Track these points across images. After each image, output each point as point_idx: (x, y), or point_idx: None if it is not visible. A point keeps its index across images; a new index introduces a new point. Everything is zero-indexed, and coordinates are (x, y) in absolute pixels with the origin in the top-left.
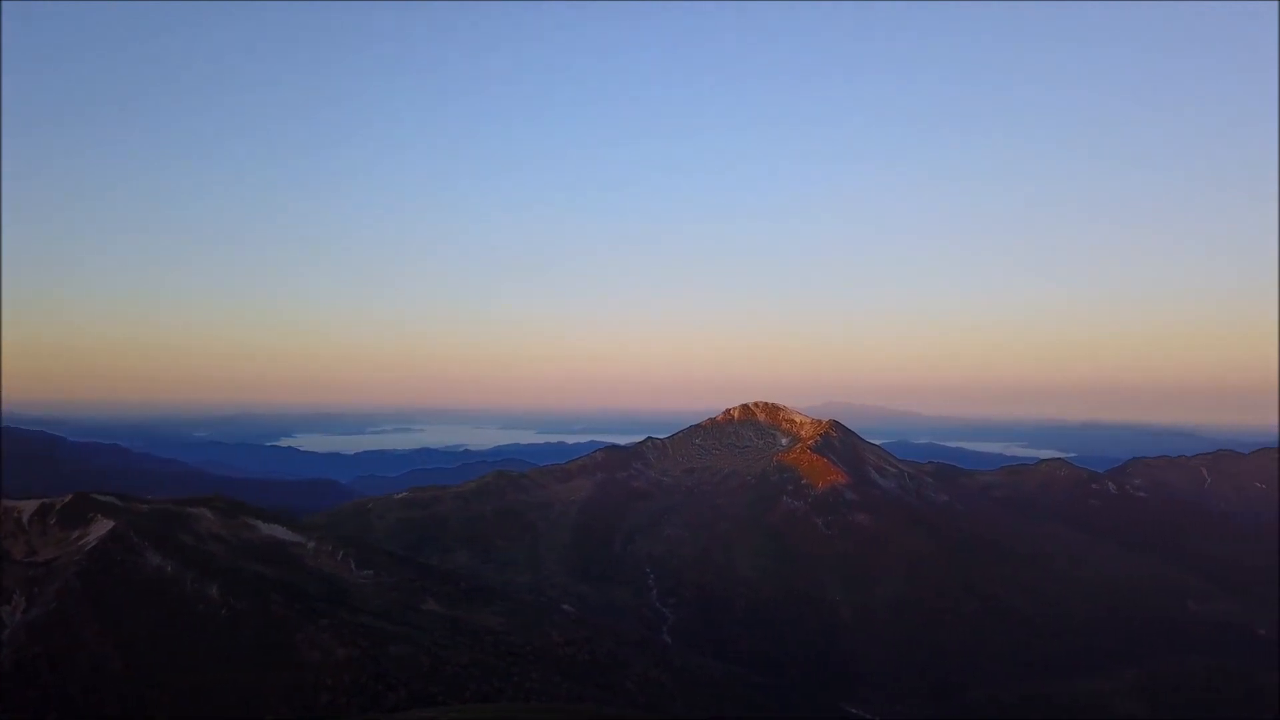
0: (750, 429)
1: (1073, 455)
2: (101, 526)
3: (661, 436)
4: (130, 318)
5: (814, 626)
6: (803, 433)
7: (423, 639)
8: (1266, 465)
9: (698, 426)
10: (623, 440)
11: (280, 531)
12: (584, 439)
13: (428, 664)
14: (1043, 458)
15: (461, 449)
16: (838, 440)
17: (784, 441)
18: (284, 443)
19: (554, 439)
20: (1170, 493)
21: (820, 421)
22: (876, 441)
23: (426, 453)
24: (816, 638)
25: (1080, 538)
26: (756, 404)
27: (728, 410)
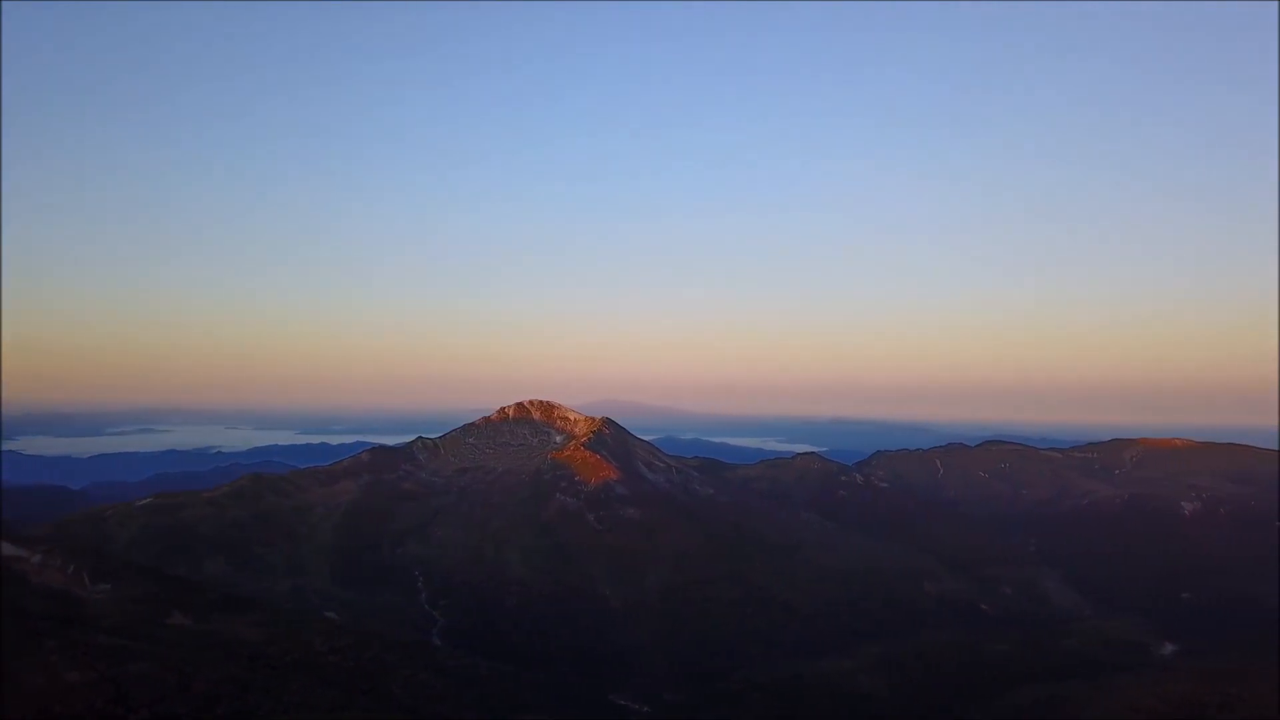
0: (525, 427)
1: (824, 449)
2: None
3: (433, 436)
4: None
5: (585, 620)
6: (576, 430)
7: (169, 655)
8: (990, 456)
9: (471, 425)
10: (391, 440)
11: None
12: (349, 439)
13: (174, 682)
14: (798, 452)
15: (213, 451)
16: (610, 437)
17: (558, 439)
18: (5, 445)
19: (315, 439)
20: (908, 483)
21: (594, 419)
22: (646, 438)
23: (173, 455)
24: (588, 631)
25: (831, 526)
26: (531, 402)
27: (502, 408)
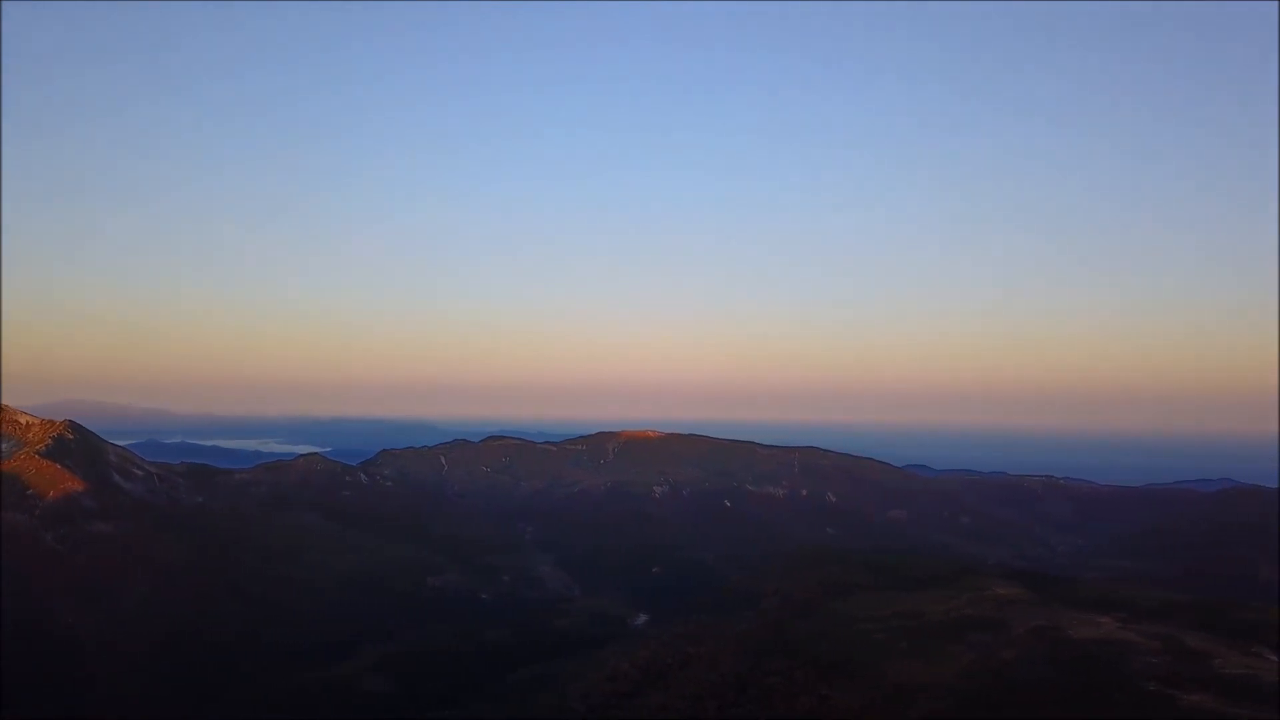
0: None
1: (328, 450)
2: None
3: None
4: None
5: (45, 660)
6: (30, 436)
7: None
8: (493, 451)
9: None
10: None
11: None
12: None
13: None
14: (300, 453)
15: None
16: (74, 443)
17: (6, 447)
18: None
19: None
20: (415, 480)
21: (53, 423)
22: (122, 443)
23: None
24: (48, 673)
25: (336, 528)
26: None
27: None
